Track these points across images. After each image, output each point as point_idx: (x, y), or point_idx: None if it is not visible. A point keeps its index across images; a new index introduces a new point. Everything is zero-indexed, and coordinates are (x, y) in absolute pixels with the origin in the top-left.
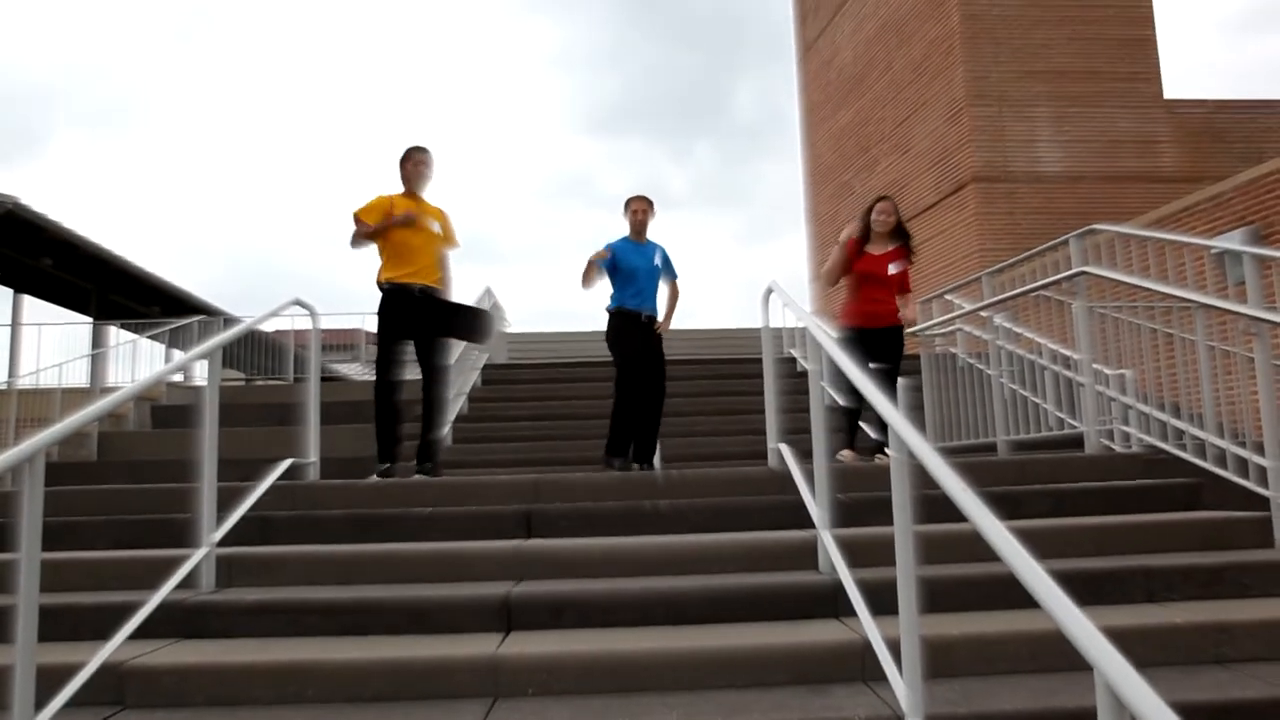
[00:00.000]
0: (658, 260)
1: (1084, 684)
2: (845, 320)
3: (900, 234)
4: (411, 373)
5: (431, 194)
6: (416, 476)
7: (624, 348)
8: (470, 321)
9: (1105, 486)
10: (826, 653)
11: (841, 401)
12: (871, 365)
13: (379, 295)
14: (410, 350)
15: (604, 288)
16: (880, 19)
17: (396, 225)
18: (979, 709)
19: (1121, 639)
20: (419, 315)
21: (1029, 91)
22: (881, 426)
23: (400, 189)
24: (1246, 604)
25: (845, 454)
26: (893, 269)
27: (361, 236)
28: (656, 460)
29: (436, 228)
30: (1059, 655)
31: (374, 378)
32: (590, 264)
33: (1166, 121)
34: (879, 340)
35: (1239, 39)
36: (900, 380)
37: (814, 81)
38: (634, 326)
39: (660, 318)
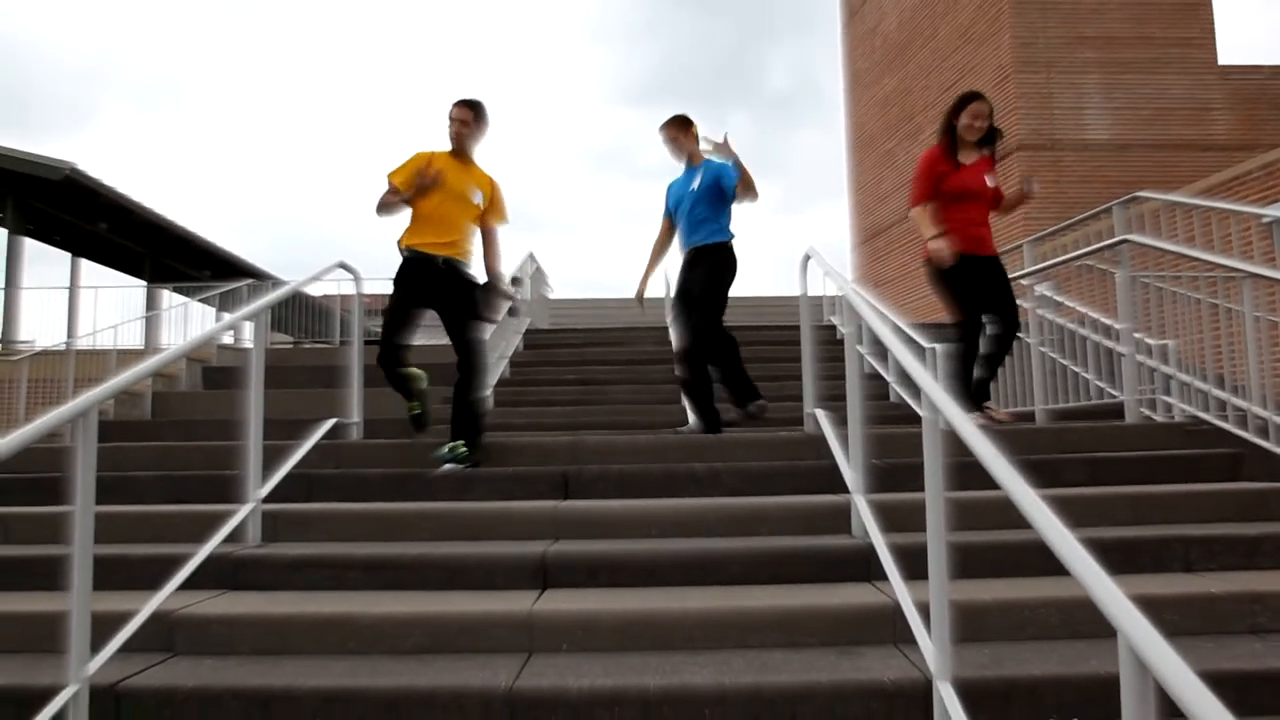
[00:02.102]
0: (697, 184)
1: (1115, 650)
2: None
3: (989, 137)
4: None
5: (483, 160)
6: (447, 468)
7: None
8: (476, 297)
9: (1144, 456)
10: (857, 615)
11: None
12: (989, 332)
13: (399, 261)
14: (421, 321)
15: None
16: None
17: (422, 189)
18: (1008, 673)
19: (1155, 607)
20: (441, 289)
21: (1078, 58)
22: (981, 383)
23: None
24: None
25: (975, 416)
26: (990, 182)
27: (388, 204)
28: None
29: (478, 198)
30: (1090, 622)
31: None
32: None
33: (1220, 88)
34: (986, 271)
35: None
36: (939, 348)
37: (858, 49)
38: (683, 263)
39: (703, 245)
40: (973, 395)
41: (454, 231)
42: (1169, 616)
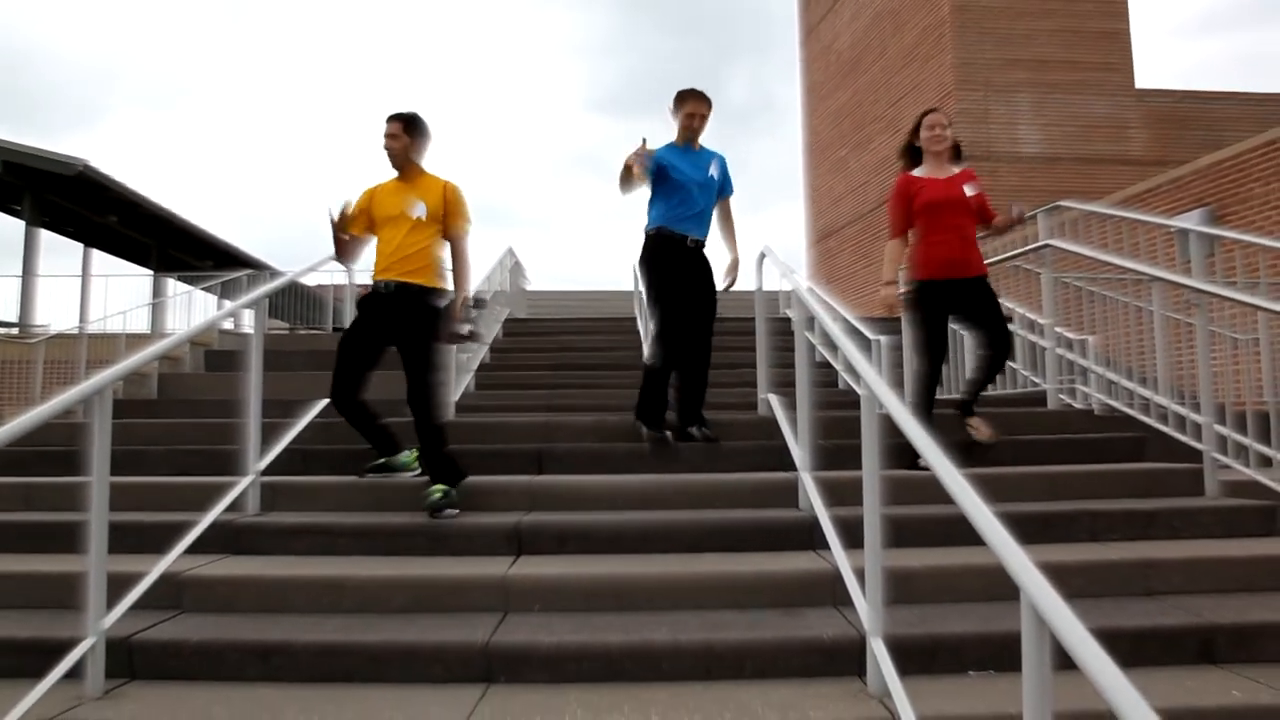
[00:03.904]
0: (714, 172)
1: None
2: (917, 272)
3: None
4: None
5: (434, 165)
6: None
7: (664, 284)
8: (428, 323)
9: (1060, 439)
10: (802, 580)
11: (916, 366)
12: (979, 353)
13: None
14: (378, 362)
15: (642, 196)
16: (876, 7)
17: (338, 231)
18: (933, 630)
19: (1063, 573)
20: (391, 317)
21: (1012, 78)
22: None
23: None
24: (1175, 544)
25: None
26: (970, 190)
27: (335, 250)
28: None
29: (420, 211)
30: (1006, 586)
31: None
32: (629, 168)
33: (1137, 109)
34: (968, 295)
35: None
36: (883, 339)
37: (815, 64)
38: (678, 255)
39: (703, 242)
40: (961, 407)
41: (395, 254)
42: (1075, 581)
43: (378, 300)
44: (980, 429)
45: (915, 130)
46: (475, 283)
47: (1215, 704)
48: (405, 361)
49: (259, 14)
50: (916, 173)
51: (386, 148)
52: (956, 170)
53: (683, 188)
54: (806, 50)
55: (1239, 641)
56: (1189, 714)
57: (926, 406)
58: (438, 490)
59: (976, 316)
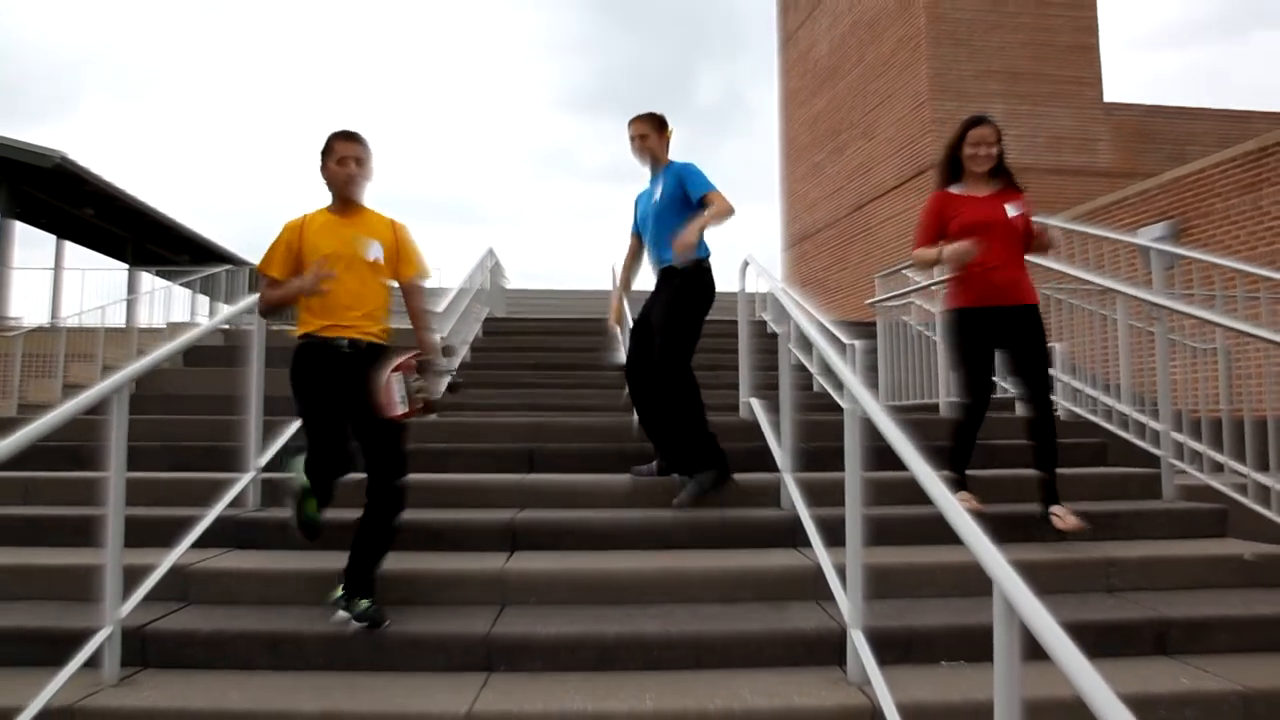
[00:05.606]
0: (660, 193)
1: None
2: (954, 300)
3: (1003, 172)
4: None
5: (374, 201)
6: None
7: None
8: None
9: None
10: (785, 576)
11: (955, 399)
12: (1022, 414)
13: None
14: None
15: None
16: (854, 16)
17: (306, 293)
18: (909, 623)
19: (1031, 569)
20: (348, 379)
21: (985, 89)
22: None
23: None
24: (1134, 544)
25: (964, 496)
26: (1012, 211)
27: (272, 300)
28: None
29: (377, 253)
30: (979, 582)
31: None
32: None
33: (1105, 122)
34: (1012, 327)
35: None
36: (858, 344)
37: (793, 70)
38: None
39: (671, 265)
40: (1042, 499)
41: (356, 305)
42: (1041, 578)
43: (326, 357)
44: (1065, 518)
45: (958, 141)
46: (457, 283)
47: (1165, 690)
48: (376, 434)
49: (228, 5)
50: (954, 190)
51: (350, 176)
52: (997, 188)
53: (645, 227)
54: (784, 57)
55: (1190, 634)
56: (1141, 699)
57: (959, 462)
58: (363, 601)
59: (1018, 356)
